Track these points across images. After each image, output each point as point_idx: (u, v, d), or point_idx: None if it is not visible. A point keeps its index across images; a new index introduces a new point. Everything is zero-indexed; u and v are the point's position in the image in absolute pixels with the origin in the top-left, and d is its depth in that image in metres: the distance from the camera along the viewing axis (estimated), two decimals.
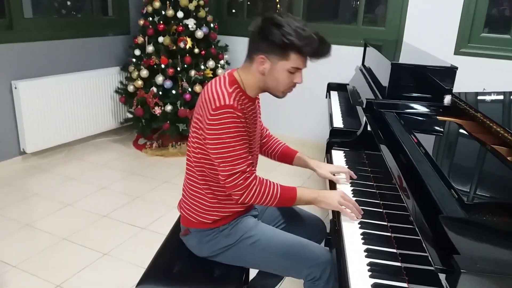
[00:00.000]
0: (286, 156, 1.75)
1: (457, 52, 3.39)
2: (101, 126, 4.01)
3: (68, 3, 4.05)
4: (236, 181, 1.34)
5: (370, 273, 1.11)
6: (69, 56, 3.70)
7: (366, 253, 1.19)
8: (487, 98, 1.92)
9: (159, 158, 3.80)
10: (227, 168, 1.33)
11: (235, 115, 1.31)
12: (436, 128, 1.75)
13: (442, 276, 0.81)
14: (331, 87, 3.36)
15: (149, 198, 3.04)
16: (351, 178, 1.67)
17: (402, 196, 1.15)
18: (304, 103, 4.06)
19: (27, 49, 3.36)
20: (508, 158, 1.48)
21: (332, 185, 1.68)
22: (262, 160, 1.70)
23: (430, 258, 0.84)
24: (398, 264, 1.15)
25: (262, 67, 1.36)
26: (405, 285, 1.07)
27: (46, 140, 3.52)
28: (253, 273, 1.83)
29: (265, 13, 1.39)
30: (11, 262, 2.24)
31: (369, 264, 1.15)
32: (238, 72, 1.43)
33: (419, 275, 1.05)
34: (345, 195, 1.43)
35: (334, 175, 1.68)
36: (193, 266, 1.45)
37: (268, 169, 3.34)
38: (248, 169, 1.35)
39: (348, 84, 3.17)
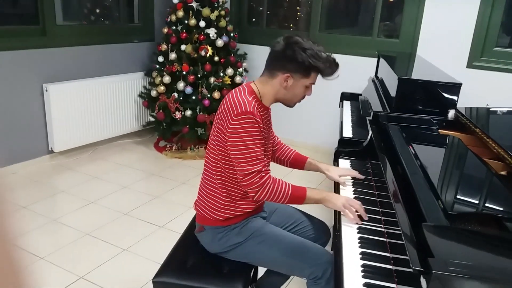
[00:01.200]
0: (298, 162, 1.90)
1: (469, 65, 3.46)
2: (124, 128, 4.21)
3: (97, 10, 4.27)
4: (253, 180, 1.49)
5: (363, 273, 1.23)
6: (96, 61, 3.91)
7: (361, 256, 1.31)
8: (488, 113, 2.01)
9: (178, 160, 3.97)
10: (245, 168, 1.48)
11: (254, 120, 1.47)
12: (436, 141, 1.85)
13: (420, 277, 0.93)
14: (344, 96, 3.47)
15: (167, 198, 3.21)
16: (357, 179, 1.83)
17: (393, 204, 1.27)
18: (318, 111, 4.18)
19: (58, 54, 3.58)
20: (502, 172, 1.58)
21: (336, 188, 1.80)
22: (274, 167, 1.84)
23: (409, 260, 0.96)
24: (390, 267, 1.27)
25: (286, 83, 1.54)
26: (393, 285, 1.18)
27: (73, 140, 3.73)
28: (261, 272, 1.96)
29: (286, 35, 1.56)
30: (39, 254, 2.42)
31: (363, 265, 1.27)
32: (255, 84, 1.60)
33: (407, 277, 1.16)
34: (350, 200, 1.56)
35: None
36: (205, 262, 1.59)
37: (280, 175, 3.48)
38: (263, 169, 1.50)
39: (360, 94, 3.27)
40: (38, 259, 2.38)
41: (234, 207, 1.60)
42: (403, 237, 1.06)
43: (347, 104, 3.32)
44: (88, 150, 3.97)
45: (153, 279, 1.53)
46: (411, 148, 1.60)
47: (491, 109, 2.05)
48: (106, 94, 3.94)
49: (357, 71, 3.88)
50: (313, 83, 1.59)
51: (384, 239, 1.41)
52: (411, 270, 1.13)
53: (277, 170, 1.99)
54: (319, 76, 1.57)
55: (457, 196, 1.26)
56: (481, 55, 3.43)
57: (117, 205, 3.04)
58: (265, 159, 1.53)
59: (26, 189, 3.19)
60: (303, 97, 1.64)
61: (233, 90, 1.59)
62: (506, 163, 1.50)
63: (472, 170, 1.47)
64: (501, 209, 1.20)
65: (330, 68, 1.53)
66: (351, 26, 4.62)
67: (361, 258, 1.30)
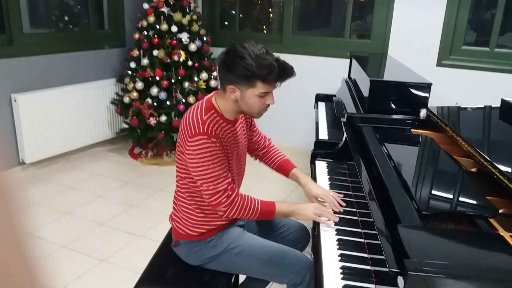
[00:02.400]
0: (283, 169, 1.85)
1: (439, 64, 3.55)
2: (97, 136, 4.13)
3: (66, 17, 4.18)
4: (220, 199, 1.47)
5: (342, 275, 1.24)
6: (66, 69, 3.82)
7: (340, 258, 1.33)
8: (458, 112, 2.07)
9: (154, 167, 3.93)
10: (210, 188, 1.46)
11: (210, 140, 1.43)
12: (409, 141, 1.89)
13: (397, 277, 0.95)
14: (319, 97, 3.50)
15: (144, 206, 3.16)
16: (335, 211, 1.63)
17: (368, 205, 1.29)
18: (294, 112, 4.21)
19: (26, 63, 3.49)
20: (472, 169, 1.63)
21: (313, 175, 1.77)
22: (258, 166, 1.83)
23: (386, 261, 0.97)
24: (368, 267, 1.29)
25: (234, 95, 1.48)
26: (372, 286, 1.20)
27: (45, 150, 3.63)
28: (242, 277, 1.96)
29: (230, 45, 1.48)
30: None
31: (342, 267, 1.28)
32: (215, 98, 1.55)
33: (385, 277, 1.18)
34: (319, 206, 1.57)
35: (318, 199, 1.70)
36: (184, 272, 1.57)
37: (259, 177, 3.49)
38: (229, 187, 1.48)
39: (335, 95, 3.31)
40: None
41: (208, 222, 1.58)
42: (379, 239, 1.08)
43: (322, 105, 3.36)
44: (61, 160, 3.88)
45: None
46: (385, 149, 1.63)
47: (460, 107, 2.10)
48: (78, 102, 3.85)
49: (331, 72, 3.93)
50: (267, 92, 1.47)
51: (362, 240, 1.43)
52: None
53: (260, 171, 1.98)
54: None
55: (430, 196, 1.28)
56: (449, 53, 3.52)
57: (93, 216, 2.98)
58: (229, 175, 1.51)
59: None
60: (267, 106, 1.53)
61: (192, 106, 1.55)
62: (475, 161, 1.54)
63: (444, 168, 1.50)
64: (473, 206, 1.23)
65: (272, 74, 1.42)
66: (323, 27, 4.68)
67: (340, 260, 1.31)
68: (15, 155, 3.52)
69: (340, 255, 1.34)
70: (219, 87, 1.82)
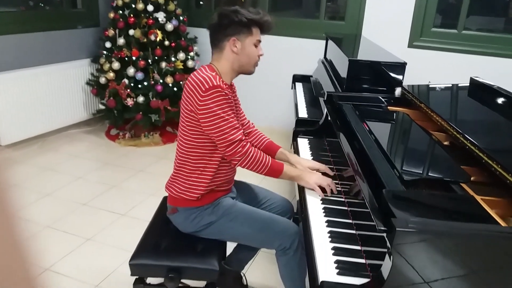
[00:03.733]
0: (269, 150, 1.92)
1: (410, 45, 3.69)
2: (73, 118, 4.09)
3: None
4: (236, 149, 1.56)
5: (330, 239, 1.35)
6: (39, 49, 3.74)
7: (326, 223, 1.43)
8: (431, 90, 2.20)
9: (132, 148, 3.93)
10: (226, 138, 1.54)
11: (223, 92, 1.53)
12: (386, 117, 2.00)
13: (384, 235, 1.05)
14: (296, 78, 3.59)
15: (125, 187, 3.18)
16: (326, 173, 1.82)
17: (355, 176, 1.39)
18: (271, 94, 4.29)
19: None
20: (445, 142, 1.76)
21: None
22: None
23: (375, 223, 1.07)
24: (353, 231, 1.40)
25: (235, 48, 1.61)
26: (358, 247, 1.31)
27: (20, 132, 3.58)
28: (229, 250, 2.05)
29: (217, 9, 1.69)
30: None
31: (329, 232, 1.38)
32: (212, 64, 1.66)
33: (369, 239, 1.29)
34: (322, 177, 1.68)
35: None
36: (179, 242, 1.65)
37: None
38: (243, 138, 1.58)
39: (311, 76, 3.41)
40: None
41: (206, 185, 1.64)
42: (367, 204, 1.18)
43: (299, 86, 3.44)
44: (37, 142, 3.83)
45: (129, 262, 1.56)
46: (365, 124, 1.74)
47: (432, 86, 2.23)
48: (52, 83, 3.79)
49: (306, 53, 4.01)
50: (260, 40, 1.66)
51: (346, 208, 1.54)
52: (371, 233, 1.26)
53: None
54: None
55: (410, 165, 1.40)
56: (420, 35, 3.67)
57: (74, 196, 2.99)
58: (241, 128, 1.61)
59: None
60: (259, 58, 1.69)
61: (194, 71, 1.64)
62: (448, 134, 1.67)
63: (421, 141, 1.62)
64: (448, 173, 1.36)
65: (266, 18, 1.63)
66: (298, 8, 4.74)
67: (327, 226, 1.42)
68: None
69: (327, 221, 1.44)
70: (196, 67, 1.84)
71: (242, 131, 1.60)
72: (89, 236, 2.53)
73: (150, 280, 1.68)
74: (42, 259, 2.29)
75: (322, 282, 1.12)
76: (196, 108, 1.54)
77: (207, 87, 1.52)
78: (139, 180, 3.30)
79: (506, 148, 1.48)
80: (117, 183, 3.23)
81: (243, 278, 2.07)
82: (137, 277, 1.60)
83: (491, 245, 1.01)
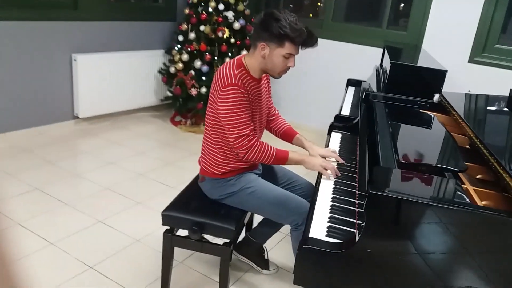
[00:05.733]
0: (288, 135, 2.11)
1: (471, 60, 3.65)
2: (144, 101, 4.53)
3: None
4: (242, 142, 1.75)
5: (330, 209, 1.49)
6: (121, 36, 4.22)
7: (331, 199, 1.57)
8: (467, 98, 2.24)
9: (191, 134, 4.27)
10: (235, 132, 1.74)
11: (239, 91, 1.71)
12: (412, 116, 2.09)
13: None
14: (350, 82, 3.70)
15: (179, 165, 3.51)
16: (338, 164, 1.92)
17: (357, 157, 1.53)
18: (325, 96, 4.41)
19: (87, 27, 3.90)
20: (467, 146, 1.82)
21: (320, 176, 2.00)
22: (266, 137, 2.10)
23: (358, 188, 1.22)
24: (354, 208, 1.53)
25: (263, 52, 1.73)
26: (353, 220, 1.45)
27: (97, 108, 4.06)
28: (256, 221, 2.24)
29: (267, 9, 1.74)
30: (64, 200, 2.75)
31: (332, 205, 1.52)
32: (244, 58, 1.82)
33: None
34: (326, 161, 1.82)
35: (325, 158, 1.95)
36: (204, 204, 1.88)
37: None
38: (251, 133, 1.76)
39: (365, 81, 3.50)
40: (63, 204, 2.71)
41: (229, 164, 1.87)
42: (358, 172, 1.33)
43: (351, 89, 3.55)
44: (109, 119, 4.30)
45: (162, 212, 1.83)
46: (389, 119, 1.85)
47: (471, 94, 2.27)
48: (129, 68, 4.24)
49: (365, 60, 4.10)
50: (292, 54, 1.71)
51: (355, 190, 1.67)
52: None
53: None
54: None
55: (413, 152, 1.51)
56: (482, 51, 3.61)
57: (134, 167, 3.36)
58: (252, 124, 1.77)
59: (53, 148, 3.53)
60: (287, 68, 1.78)
61: (224, 63, 1.82)
62: (468, 137, 1.74)
63: (435, 137, 1.71)
64: (446, 161, 1.45)
65: (301, 37, 1.67)
66: (362, 16, 4.82)
67: (331, 200, 1.56)
68: (70, 110, 3.96)
69: (333, 198, 1.59)
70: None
71: (252, 127, 1.75)
72: (140, 200, 2.86)
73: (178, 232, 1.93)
74: (99, 214, 2.64)
75: (310, 237, 1.28)
76: (216, 101, 1.75)
77: (226, 83, 1.70)
78: (192, 161, 3.60)
79: None
80: (173, 161, 3.56)
81: (265, 251, 2.25)
82: (167, 227, 1.85)
83: (455, 221, 1.11)
